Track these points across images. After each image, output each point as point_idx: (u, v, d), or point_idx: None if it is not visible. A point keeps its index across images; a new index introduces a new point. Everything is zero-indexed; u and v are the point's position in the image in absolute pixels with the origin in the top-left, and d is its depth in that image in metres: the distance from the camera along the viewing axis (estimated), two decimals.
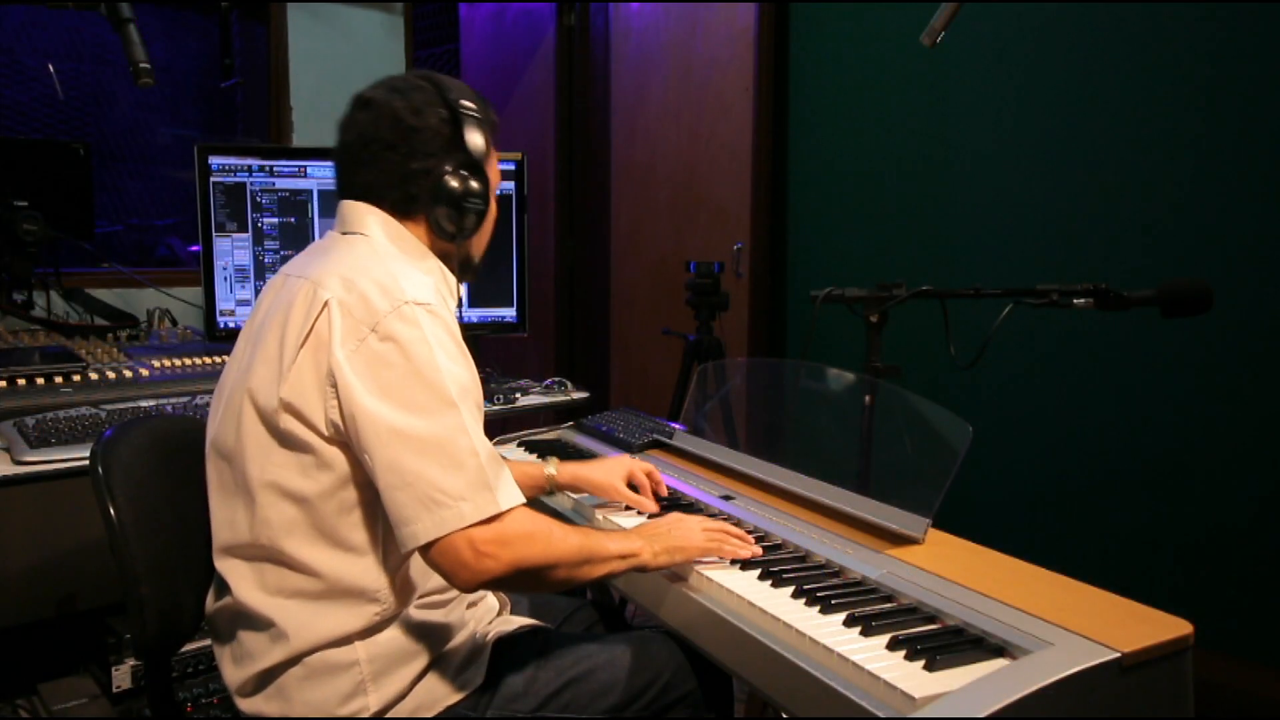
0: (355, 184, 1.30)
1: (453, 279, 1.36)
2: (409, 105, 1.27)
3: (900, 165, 3.01)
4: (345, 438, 1.14)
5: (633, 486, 1.61)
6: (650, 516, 1.53)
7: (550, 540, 1.16)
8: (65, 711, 2.07)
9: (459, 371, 1.16)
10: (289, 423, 1.15)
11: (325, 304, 1.15)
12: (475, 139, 1.29)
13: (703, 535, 1.33)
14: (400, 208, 1.29)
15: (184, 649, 2.03)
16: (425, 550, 1.11)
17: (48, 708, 2.08)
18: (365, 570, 1.18)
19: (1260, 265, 2.24)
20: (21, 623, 2.33)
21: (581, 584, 1.23)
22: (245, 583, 1.20)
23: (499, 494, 1.12)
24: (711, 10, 3.38)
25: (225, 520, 1.22)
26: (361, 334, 1.13)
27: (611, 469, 1.62)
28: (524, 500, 1.16)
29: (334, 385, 1.13)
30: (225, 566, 1.23)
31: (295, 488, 1.16)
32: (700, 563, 1.32)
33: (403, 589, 1.22)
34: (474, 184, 1.28)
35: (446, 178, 1.27)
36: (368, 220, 1.29)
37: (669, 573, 1.32)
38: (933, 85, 2.89)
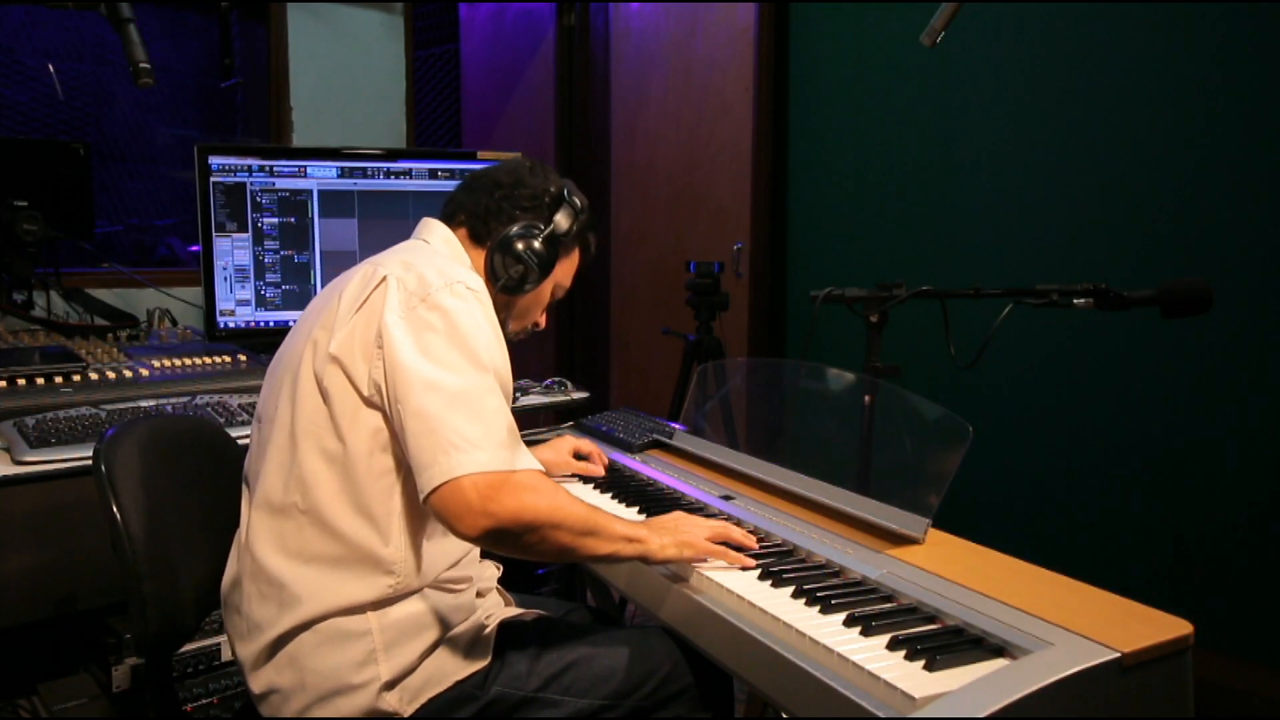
0: (454, 199, 1.48)
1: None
2: (530, 169, 1.48)
3: (900, 165, 3.01)
4: (383, 401, 1.20)
5: (580, 461, 1.77)
6: (644, 510, 1.53)
7: (557, 499, 1.18)
8: (65, 711, 2.07)
9: (495, 350, 1.25)
10: (334, 377, 1.21)
11: (383, 279, 1.25)
12: (564, 221, 1.45)
13: (709, 534, 1.33)
14: (474, 234, 1.44)
15: (184, 649, 2.03)
16: (433, 494, 1.12)
17: (48, 708, 2.08)
18: (385, 540, 1.22)
19: (1260, 265, 2.24)
20: (21, 623, 2.33)
21: (584, 558, 1.24)
22: (267, 544, 1.23)
23: (516, 454, 1.17)
24: (711, 10, 3.38)
25: (261, 474, 1.27)
26: (413, 304, 1.22)
27: (558, 446, 1.79)
28: (540, 469, 1.20)
29: (380, 346, 1.20)
30: (249, 526, 1.27)
31: (331, 446, 1.22)
32: (699, 562, 1.32)
33: (418, 566, 1.25)
34: (538, 246, 1.41)
35: (520, 230, 1.42)
36: (437, 233, 1.44)
37: (669, 573, 1.33)
38: (933, 85, 2.89)
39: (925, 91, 2.92)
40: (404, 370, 1.17)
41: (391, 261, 1.29)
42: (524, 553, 1.18)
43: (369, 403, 1.21)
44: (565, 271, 1.52)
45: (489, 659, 1.29)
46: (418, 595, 1.26)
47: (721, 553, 1.32)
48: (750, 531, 1.45)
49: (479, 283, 1.31)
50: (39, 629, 2.33)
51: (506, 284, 1.42)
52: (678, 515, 1.39)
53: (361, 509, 1.21)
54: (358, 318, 1.23)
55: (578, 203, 1.47)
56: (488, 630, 1.32)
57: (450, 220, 1.46)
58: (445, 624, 1.28)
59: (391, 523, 1.22)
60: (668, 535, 1.30)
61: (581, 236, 1.52)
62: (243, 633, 1.26)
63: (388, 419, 1.20)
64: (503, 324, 1.44)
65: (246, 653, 1.25)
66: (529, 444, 2.01)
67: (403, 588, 1.23)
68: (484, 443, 1.14)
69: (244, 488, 1.34)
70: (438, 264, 1.29)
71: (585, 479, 1.76)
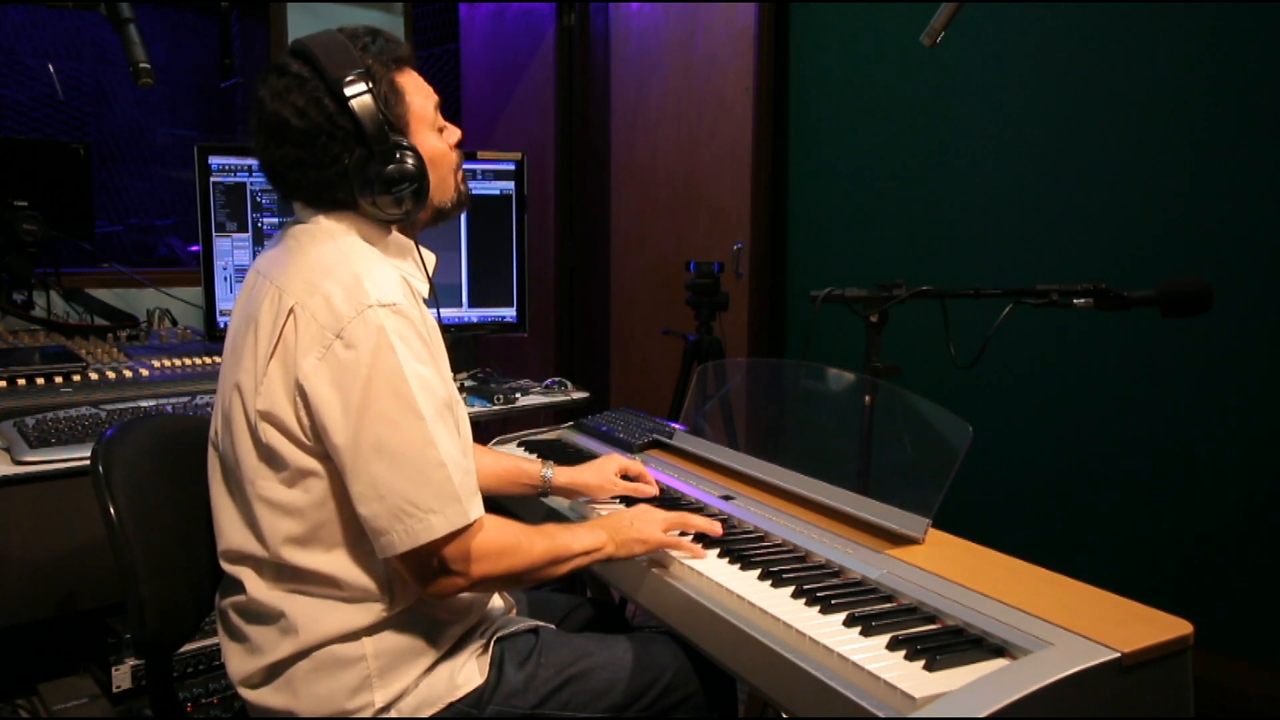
0: (290, 197, 1.27)
1: (428, 255, 1.33)
2: (292, 107, 1.18)
3: (900, 165, 3.01)
4: (323, 446, 1.14)
5: (627, 479, 1.65)
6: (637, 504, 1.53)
7: (517, 553, 1.21)
8: (65, 711, 2.07)
9: (427, 374, 1.15)
10: (270, 435, 1.16)
11: (290, 310, 1.15)
12: (368, 115, 1.17)
13: (664, 526, 1.37)
14: (336, 207, 1.24)
15: (184, 649, 2.03)
16: (402, 560, 1.14)
17: (48, 708, 2.08)
18: (370, 568, 1.19)
19: (1260, 265, 2.24)
20: (21, 623, 2.32)
21: (548, 581, 1.30)
22: (254, 582, 1.21)
23: (468, 505, 1.14)
24: (711, 10, 3.38)
25: (230, 526, 1.23)
26: (326, 340, 1.12)
27: (602, 468, 1.66)
28: (483, 512, 1.18)
29: (302, 397, 1.13)
30: (232, 569, 1.24)
31: (287, 501, 1.17)
32: (698, 561, 1.32)
33: (407, 588, 1.22)
34: (406, 164, 1.20)
35: (365, 172, 1.19)
36: (319, 225, 1.25)
37: (668, 572, 1.32)
38: (933, 85, 2.89)
39: (925, 91, 2.92)
40: (336, 431, 1.11)
41: (293, 280, 1.17)
42: (490, 591, 1.27)
43: (312, 451, 1.15)
44: (418, 108, 1.27)
45: (485, 677, 1.26)
46: (413, 619, 1.23)
47: (675, 543, 1.36)
48: (750, 531, 1.45)
49: (394, 286, 1.16)
50: (39, 629, 2.33)
51: (407, 215, 1.23)
52: (636, 510, 1.41)
53: (334, 548, 1.18)
54: (274, 364, 1.14)
55: (354, 76, 1.17)
56: (484, 648, 1.30)
57: (312, 206, 1.26)
58: (440, 644, 1.25)
59: (370, 555, 1.17)
60: (623, 534, 1.33)
61: (390, 73, 1.23)
62: (239, 650, 1.24)
63: (331, 465, 1.15)
64: (439, 212, 1.32)
65: (241, 669, 1.23)
66: (529, 444, 2.01)
67: (396, 609, 1.21)
68: (435, 504, 1.12)
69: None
70: (342, 276, 1.15)
71: (629, 500, 1.61)
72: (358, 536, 1.17)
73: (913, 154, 2.97)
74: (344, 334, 1.12)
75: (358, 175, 1.20)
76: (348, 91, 1.17)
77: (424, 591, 1.17)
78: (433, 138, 1.29)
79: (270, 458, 1.17)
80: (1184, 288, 1.60)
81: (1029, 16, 2.64)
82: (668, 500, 1.60)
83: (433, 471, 1.12)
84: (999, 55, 2.72)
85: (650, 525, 1.36)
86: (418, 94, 1.28)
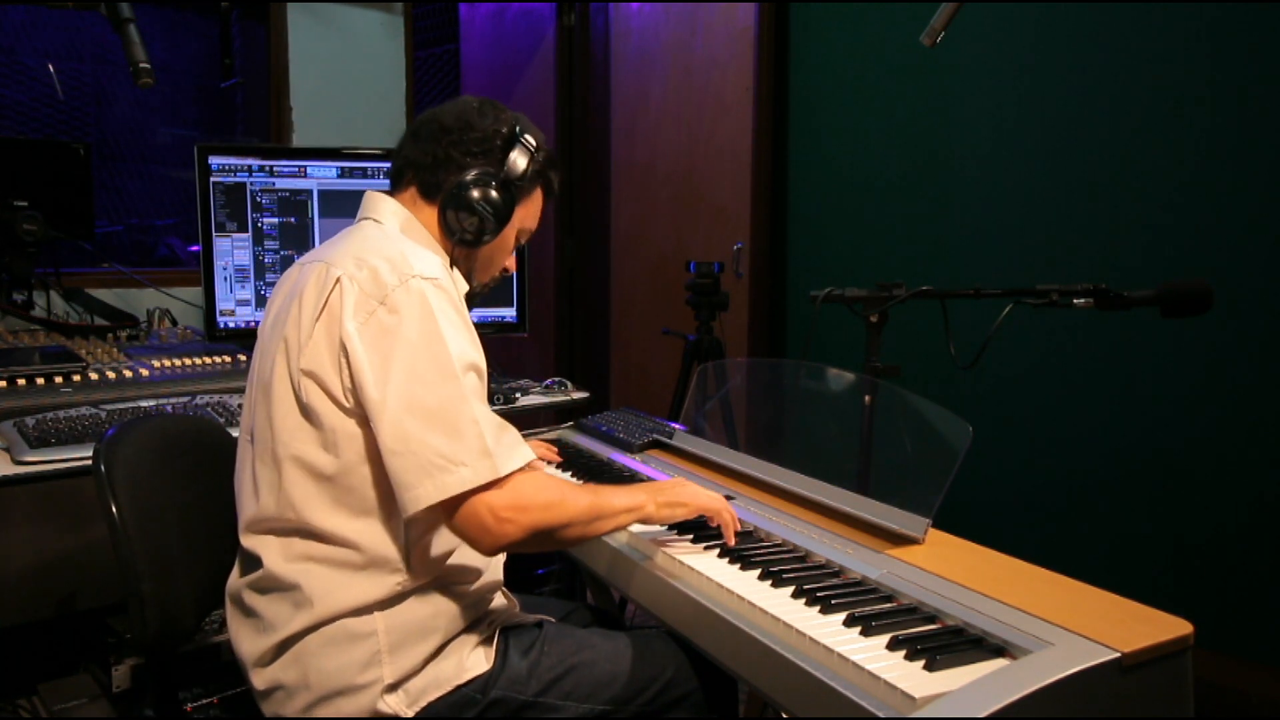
0: (400, 153, 1.39)
1: (460, 278, 1.40)
2: (479, 109, 1.37)
3: (900, 165, 3.01)
4: (361, 409, 1.18)
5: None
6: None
7: (564, 504, 1.23)
8: (65, 711, 2.07)
9: (463, 343, 1.21)
10: (311, 393, 1.20)
11: (337, 280, 1.21)
12: (519, 163, 1.36)
13: (706, 496, 1.39)
14: (422, 191, 1.37)
15: (184, 649, 2.03)
16: (449, 516, 1.17)
17: (48, 708, 2.08)
18: (391, 538, 1.22)
19: (1260, 265, 2.24)
20: (21, 623, 2.32)
21: (591, 539, 1.35)
22: (273, 554, 1.23)
23: (498, 460, 1.17)
24: (711, 10, 3.38)
25: (257, 495, 1.26)
26: (371, 307, 1.19)
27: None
28: (529, 458, 1.21)
29: (345, 356, 1.18)
30: (254, 543, 1.26)
31: (318, 463, 1.21)
32: (697, 559, 1.33)
33: (425, 560, 1.25)
34: (493, 194, 1.33)
35: (473, 178, 1.33)
36: (383, 208, 1.37)
37: (668, 571, 1.33)
38: (933, 85, 2.89)
39: (925, 91, 2.92)
40: (373, 387, 1.16)
41: (343, 257, 1.24)
42: (537, 549, 1.30)
43: (351, 412, 1.19)
44: (528, 214, 1.45)
45: (491, 663, 1.29)
46: (425, 597, 1.25)
47: (717, 510, 1.38)
48: (750, 532, 1.45)
49: (437, 266, 1.25)
50: (39, 629, 2.33)
51: (463, 238, 1.35)
52: (676, 479, 1.45)
53: (361, 514, 1.21)
54: (319, 326, 1.20)
55: (533, 141, 1.38)
56: (490, 635, 1.32)
57: (398, 180, 1.40)
58: (449, 628, 1.27)
59: (395, 521, 1.21)
60: (664, 495, 1.36)
61: (541, 176, 1.43)
62: (251, 630, 1.26)
63: (367, 429, 1.19)
64: (467, 276, 1.42)
65: (253, 649, 1.25)
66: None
67: (411, 584, 1.23)
68: (466, 458, 1.14)
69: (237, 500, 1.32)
70: (389, 252, 1.23)
71: (576, 474, 1.74)
72: (386, 502, 1.20)
73: (913, 154, 2.97)
74: (388, 300, 1.18)
75: (467, 176, 1.33)
76: (521, 138, 1.37)
77: (479, 547, 1.19)
78: (514, 234, 1.45)
79: (309, 415, 1.21)
80: (1184, 288, 1.60)
81: (1029, 17, 2.64)
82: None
83: (466, 426, 1.16)
84: (999, 55, 2.73)
85: (691, 491, 1.39)
86: (536, 209, 1.48)
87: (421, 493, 1.14)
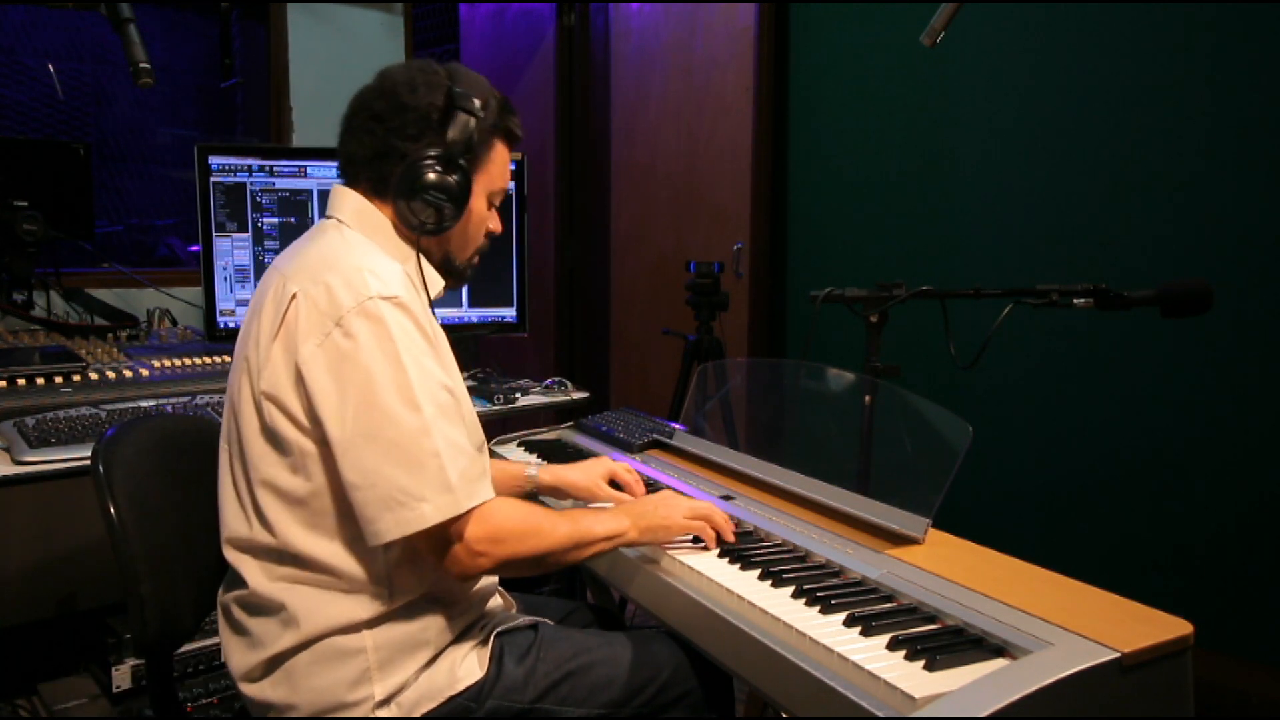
0: (342, 153, 1.31)
1: (434, 274, 1.34)
2: (409, 84, 1.27)
3: (900, 165, 3.01)
4: (320, 431, 1.16)
5: (616, 486, 1.62)
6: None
7: (540, 534, 1.22)
8: (65, 711, 2.07)
9: (426, 367, 1.17)
10: (273, 416, 1.17)
11: (293, 297, 1.17)
12: (459, 131, 1.25)
13: (687, 511, 1.37)
14: (374, 188, 1.29)
15: (184, 649, 2.03)
16: (421, 542, 1.15)
17: (48, 708, 2.08)
18: (369, 561, 1.19)
19: (1260, 265, 2.24)
20: (21, 623, 2.32)
21: (570, 565, 1.31)
22: (256, 574, 1.22)
23: (460, 494, 1.14)
24: (711, 10, 3.38)
25: (232, 515, 1.24)
26: (326, 328, 1.14)
27: (590, 469, 1.62)
28: (491, 495, 1.19)
29: (300, 380, 1.15)
30: (235, 559, 1.24)
31: (289, 486, 1.18)
32: (697, 559, 1.32)
33: (408, 581, 1.22)
34: (446, 179, 1.24)
35: (421, 164, 1.24)
36: (345, 205, 1.30)
37: (667, 571, 1.32)
38: (933, 85, 2.89)
39: (925, 91, 2.92)
40: (331, 420, 1.12)
41: (299, 271, 1.20)
42: (512, 576, 1.26)
43: (311, 435, 1.16)
44: (493, 176, 1.35)
45: (485, 670, 1.27)
46: (413, 611, 1.23)
47: (700, 528, 1.36)
48: (750, 531, 1.45)
49: (397, 279, 1.19)
50: (39, 629, 2.33)
51: (425, 229, 1.27)
52: (663, 494, 1.42)
53: (338, 535, 1.19)
54: (277, 346, 1.16)
55: (474, 103, 1.26)
56: (484, 642, 1.30)
57: (349, 178, 1.31)
58: (440, 639, 1.26)
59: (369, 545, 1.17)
60: (646, 519, 1.33)
61: (495, 131, 1.32)
62: (240, 644, 1.25)
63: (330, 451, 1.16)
64: (446, 261, 1.36)
65: (242, 663, 1.23)
66: (529, 444, 2.01)
67: (397, 602, 1.21)
68: (426, 493, 1.12)
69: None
70: (345, 267, 1.17)
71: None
72: (356, 528, 1.17)
73: (913, 153, 2.97)
74: (343, 322, 1.14)
75: (411, 165, 1.24)
76: (461, 103, 1.25)
77: (449, 573, 1.17)
78: (484, 201, 1.36)
79: (274, 440, 1.18)
80: (1184, 288, 1.60)
81: (1029, 17, 2.64)
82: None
83: (427, 460, 1.12)
84: (999, 55, 2.72)
85: (675, 511, 1.37)
86: (501, 165, 1.36)
87: (383, 527, 1.12)
